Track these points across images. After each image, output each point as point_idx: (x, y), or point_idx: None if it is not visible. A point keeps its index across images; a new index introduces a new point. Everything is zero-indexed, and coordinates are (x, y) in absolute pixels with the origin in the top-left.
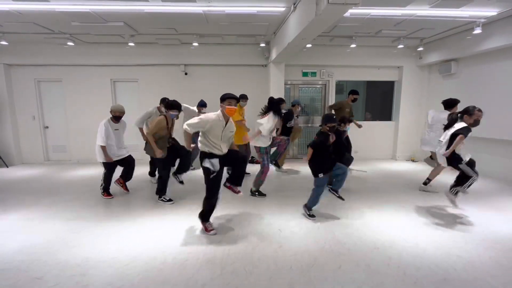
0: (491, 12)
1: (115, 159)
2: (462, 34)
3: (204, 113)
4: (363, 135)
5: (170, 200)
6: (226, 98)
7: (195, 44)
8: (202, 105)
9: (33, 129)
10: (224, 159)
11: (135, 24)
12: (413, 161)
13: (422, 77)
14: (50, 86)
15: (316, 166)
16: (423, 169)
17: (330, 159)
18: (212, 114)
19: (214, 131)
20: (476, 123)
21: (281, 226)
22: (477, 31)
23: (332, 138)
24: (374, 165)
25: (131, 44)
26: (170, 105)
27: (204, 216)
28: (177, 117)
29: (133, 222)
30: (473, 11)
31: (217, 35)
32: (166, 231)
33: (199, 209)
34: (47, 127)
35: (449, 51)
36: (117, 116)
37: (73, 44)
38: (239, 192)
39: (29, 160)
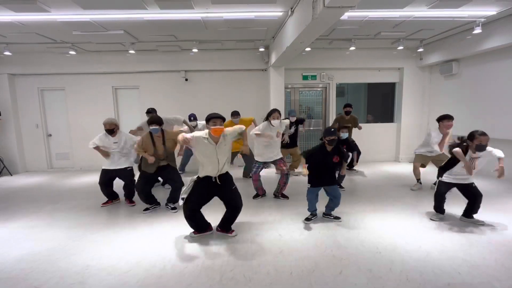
0: (490, 11)
1: (109, 167)
2: (462, 34)
3: (194, 126)
4: (365, 137)
5: (146, 209)
6: (209, 119)
7: (195, 50)
8: (190, 117)
9: (36, 137)
10: (219, 190)
11: (135, 32)
12: None
13: (423, 78)
14: (53, 95)
15: (309, 175)
16: (426, 171)
17: (326, 174)
18: (202, 134)
19: (205, 153)
20: (478, 148)
21: (281, 231)
22: (477, 30)
23: (335, 159)
24: (377, 168)
25: (131, 51)
26: (149, 121)
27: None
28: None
29: (133, 229)
30: (472, 11)
31: (217, 41)
32: (165, 238)
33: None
34: (50, 135)
35: (450, 51)
36: (107, 130)
37: (75, 53)
38: (232, 232)
39: (32, 168)
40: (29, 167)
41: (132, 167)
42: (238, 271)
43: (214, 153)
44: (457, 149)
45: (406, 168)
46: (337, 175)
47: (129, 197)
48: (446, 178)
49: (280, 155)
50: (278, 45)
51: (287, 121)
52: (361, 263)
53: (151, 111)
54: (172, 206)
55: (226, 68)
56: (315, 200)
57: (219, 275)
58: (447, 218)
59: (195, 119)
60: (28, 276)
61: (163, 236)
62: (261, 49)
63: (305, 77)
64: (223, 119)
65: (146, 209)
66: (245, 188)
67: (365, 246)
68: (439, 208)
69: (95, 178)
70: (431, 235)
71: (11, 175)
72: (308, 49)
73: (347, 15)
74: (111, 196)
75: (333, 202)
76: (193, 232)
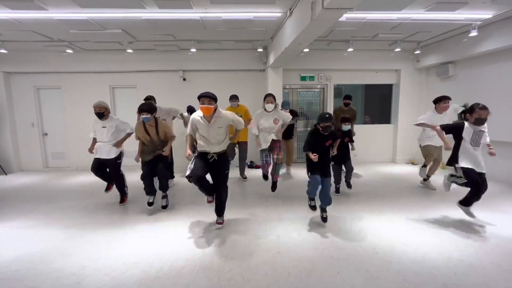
0: (486, 14)
1: (97, 156)
2: (459, 37)
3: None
4: (362, 138)
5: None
6: (199, 98)
7: (193, 50)
8: (188, 110)
9: (32, 136)
10: (212, 167)
11: (133, 31)
12: (412, 164)
13: (420, 79)
14: (49, 93)
15: (307, 164)
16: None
17: (321, 162)
18: (199, 114)
19: (200, 130)
20: (477, 121)
21: (279, 232)
22: (473, 33)
23: (328, 143)
24: (374, 169)
25: (129, 50)
26: (140, 109)
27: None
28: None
29: (130, 229)
30: (469, 14)
31: (215, 41)
32: (163, 239)
33: (196, 216)
34: (46, 134)
35: (446, 53)
36: (97, 113)
37: (72, 51)
38: (218, 222)
39: (28, 167)
40: (24, 166)
41: (121, 160)
42: (236, 272)
43: (206, 131)
44: (437, 127)
45: (403, 169)
46: (343, 175)
47: (120, 191)
48: (465, 163)
49: (277, 137)
50: (276, 46)
51: (288, 114)
52: (359, 264)
53: (149, 98)
54: (164, 204)
55: (224, 68)
56: (316, 187)
57: (216, 275)
58: (444, 219)
59: (192, 111)
60: (23, 277)
61: (160, 236)
62: (260, 50)
63: (303, 78)
64: (213, 98)
65: (151, 204)
66: (241, 193)
67: (363, 247)
68: (477, 196)
69: (91, 177)
70: (429, 236)
71: (6, 174)
72: (306, 50)
73: (345, 16)
74: (109, 179)
75: (323, 195)
76: (208, 201)
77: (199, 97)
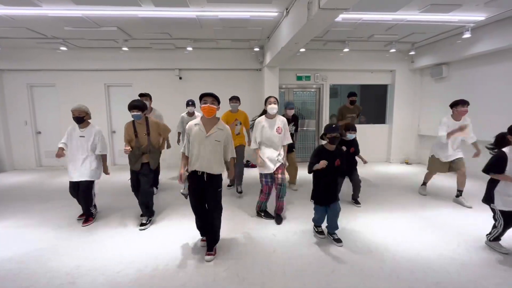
0: (479, 17)
1: (72, 179)
2: (452, 39)
3: (192, 113)
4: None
5: (143, 224)
6: (201, 97)
7: (190, 48)
8: (188, 103)
9: (25, 134)
10: (203, 185)
11: (128, 29)
12: (407, 163)
13: (414, 80)
14: (43, 91)
15: (314, 190)
16: (416, 172)
17: (330, 187)
18: (195, 121)
19: (195, 140)
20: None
21: (275, 231)
22: (466, 35)
23: (337, 163)
24: (369, 168)
25: (125, 48)
26: (129, 105)
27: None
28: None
29: (125, 229)
30: (462, 16)
31: (211, 40)
32: (158, 238)
33: (191, 215)
34: (39, 132)
35: (440, 55)
36: (75, 117)
37: (66, 49)
38: (209, 253)
39: (20, 166)
40: (17, 165)
41: (93, 180)
42: (232, 271)
43: (202, 143)
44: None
45: (397, 169)
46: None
47: (86, 213)
48: (503, 203)
49: (281, 161)
50: (273, 45)
51: (284, 119)
52: (353, 262)
53: (144, 95)
54: (144, 221)
55: (221, 67)
56: (323, 216)
57: (212, 274)
58: (437, 219)
59: (193, 104)
60: (16, 277)
61: (155, 235)
62: (256, 49)
63: (299, 78)
64: (217, 99)
65: (142, 224)
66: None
67: (357, 246)
68: (501, 235)
69: None
70: (422, 235)
71: None
72: (302, 50)
73: (341, 17)
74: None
75: (331, 220)
76: (202, 240)
77: (201, 97)
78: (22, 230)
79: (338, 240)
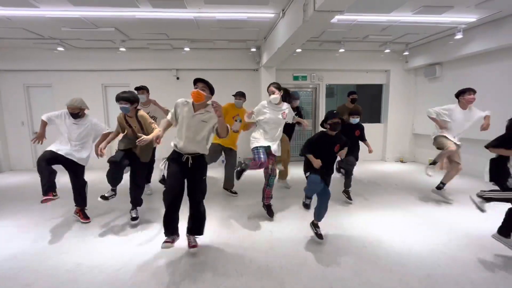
0: (471, 18)
1: (59, 152)
2: (445, 39)
3: None
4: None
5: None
6: (194, 83)
7: (187, 49)
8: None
9: (22, 135)
10: (188, 173)
11: (126, 30)
12: (401, 162)
13: (408, 80)
14: (39, 92)
15: (305, 164)
16: (411, 170)
17: (325, 167)
18: (186, 99)
19: (182, 118)
20: None
21: (272, 228)
22: (459, 36)
23: (337, 148)
24: (364, 166)
25: (122, 49)
26: (116, 97)
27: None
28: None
29: (124, 226)
30: (454, 17)
31: (209, 40)
32: (157, 235)
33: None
34: (36, 132)
35: (433, 55)
36: (70, 113)
37: (63, 49)
38: (192, 247)
39: (17, 167)
40: (14, 165)
41: (84, 165)
42: (230, 267)
43: (187, 121)
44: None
45: (392, 167)
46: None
47: (80, 205)
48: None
49: (277, 152)
50: (269, 46)
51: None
52: (348, 257)
53: (141, 88)
54: (134, 215)
55: (218, 68)
56: (317, 187)
57: (211, 270)
58: (429, 215)
59: None
60: (17, 275)
61: (155, 232)
62: (253, 49)
63: (295, 78)
64: (210, 87)
65: (134, 219)
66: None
67: (352, 242)
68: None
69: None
70: (414, 230)
71: None
72: (299, 50)
73: (336, 18)
74: (51, 187)
75: (321, 203)
76: (165, 241)
77: (195, 82)
78: (20, 229)
79: (320, 236)
